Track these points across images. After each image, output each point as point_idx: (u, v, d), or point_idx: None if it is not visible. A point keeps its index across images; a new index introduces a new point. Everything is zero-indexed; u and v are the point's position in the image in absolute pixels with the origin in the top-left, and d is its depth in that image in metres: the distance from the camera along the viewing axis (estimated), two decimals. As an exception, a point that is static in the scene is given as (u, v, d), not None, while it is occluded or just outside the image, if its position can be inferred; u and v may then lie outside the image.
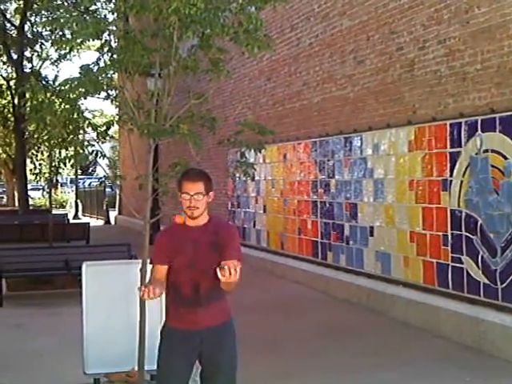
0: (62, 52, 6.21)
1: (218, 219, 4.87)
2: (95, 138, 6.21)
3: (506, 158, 8.06)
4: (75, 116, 6.06)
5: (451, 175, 9.00)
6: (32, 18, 28.50)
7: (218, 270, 4.09)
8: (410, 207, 9.90)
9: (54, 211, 31.70)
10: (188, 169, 4.93)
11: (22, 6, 27.58)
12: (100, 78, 5.75)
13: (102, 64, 5.88)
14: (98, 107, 52.92)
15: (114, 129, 9.35)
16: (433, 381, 7.26)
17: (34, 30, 28.77)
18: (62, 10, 6.01)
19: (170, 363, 4.59)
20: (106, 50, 5.87)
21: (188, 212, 4.57)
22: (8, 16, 31.02)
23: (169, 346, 4.61)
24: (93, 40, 5.68)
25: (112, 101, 6.29)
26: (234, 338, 4.70)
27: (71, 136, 6.20)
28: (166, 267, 4.57)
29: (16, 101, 27.44)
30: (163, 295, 4.62)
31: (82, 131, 6.33)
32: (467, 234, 8.69)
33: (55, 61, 29.86)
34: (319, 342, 8.83)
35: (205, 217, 4.66)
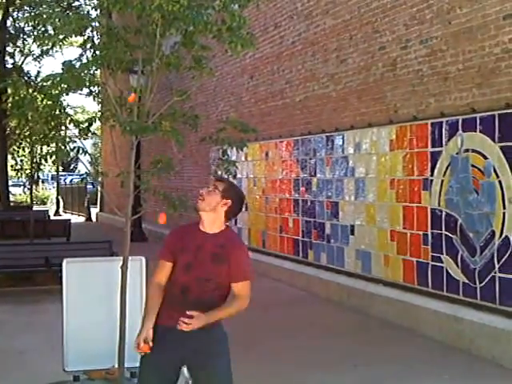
0: (45, 48, 6.19)
1: (231, 233, 4.71)
2: (77, 134, 6.19)
3: (486, 157, 8.12)
4: (57, 112, 6.04)
5: (432, 174, 9.06)
6: (14, 14, 28.35)
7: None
8: (390, 206, 9.94)
9: (35, 208, 31.58)
10: None
11: (4, 1, 27.42)
12: (82, 74, 5.72)
13: (84, 60, 5.86)
14: (80, 103, 52.62)
15: (96, 125, 9.32)
16: (412, 378, 7.30)
17: (17, 25, 28.62)
18: (44, 6, 5.99)
19: (150, 358, 4.53)
20: (88, 46, 5.84)
21: (196, 201, 4.55)
22: (-10, 11, 30.84)
23: (154, 342, 4.53)
24: (75, 36, 5.65)
25: (94, 97, 6.26)
26: (226, 343, 4.61)
27: (53, 132, 6.17)
28: (171, 265, 4.50)
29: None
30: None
31: (63, 127, 6.31)
32: (447, 234, 8.75)
33: (37, 56, 29.74)
34: (300, 340, 8.86)
35: (217, 225, 4.56)
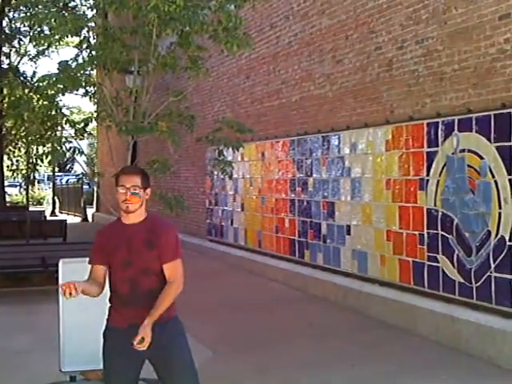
0: (41, 48, 6.20)
1: (156, 217, 4.72)
2: (73, 134, 6.20)
3: (482, 157, 8.13)
4: (53, 112, 6.06)
5: (428, 174, 9.07)
6: (10, 14, 28.32)
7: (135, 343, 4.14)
8: (386, 206, 9.95)
9: (31, 208, 31.53)
10: (126, 166, 4.88)
11: (-1, 1, 27.40)
12: (78, 74, 5.74)
13: (80, 60, 5.87)
14: (77, 104, 52.60)
15: (92, 126, 9.30)
16: (408, 378, 7.30)
17: (13, 25, 28.58)
18: (40, 6, 6.00)
19: (113, 364, 4.53)
20: (84, 46, 5.87)
21: (123, 206, 4.51)
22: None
23: (111, 346, 4.56)
24: (71, 36, 5.68)
25: (90, 97, 6.28)
26: (184, 334, 4.65)
27: (49, 133, 6.18)
28: (104, 268, 4.52)
29: (-7, 97, 27.22)
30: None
31: (59, 128, 6.32)
32: (443, 233, 8.76)
33: (33, 57, 29.70)
34: (297, 339, 8.86)
35: (141, 214, 4.60)
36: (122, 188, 4.50)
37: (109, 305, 4.70)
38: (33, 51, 30.47)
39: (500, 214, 7.85)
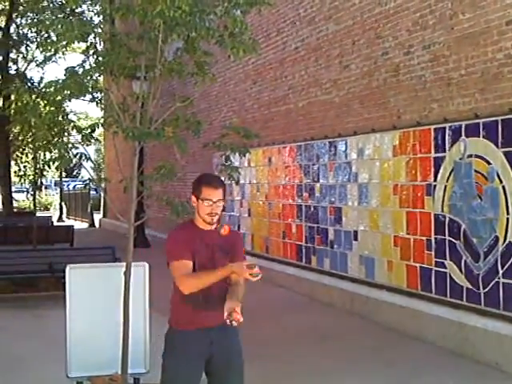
0: (48, 54, 6.20)
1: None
2: (80, 140, 6.20)
3: (489, 163, 8.10)
4: (60, 118, 6.06)
5: (435, 180, 9.04)
6: (18, 20, 28.39)
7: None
8: (394, 211, 9.93)
9: (39, 214, 31.58)
10: (205, 174, 4.90)
11: (7, 7, 27.46)
12: (85, 80, 5.74)
13: (87, 66, 5.87)
14: (83, 109, 52.68)
15: (99, 131, 9.32)
16: (416, 385, 7.29)
17: (20, 31, 28.63)
18: (47, 12, 6.01)
19: (182, 368, 4.53)
20: (91, 52, 5.86)
21: (208, 218, 4.56)
22: (-7, 18, 30.87)
23: (180, 349, 4.58)
24: (78, 42, 5.67)
25: (97, 103, 6.27)
26: (239, 336, 4.75)
27: (56, 138, 6.19)
28: (191, 264, 4.52)
29: (0, 103, 27.30)
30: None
31: (66, 134, 6.32)
32: (451, 239, 8.73)
33: (40, 63, 29.75)
34: (304, 345, 8.84)
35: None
36: (208, 202, 4.55)
37: (175, 306, 4.79)
38: (40, 57, 30.54)
39: (508, 219, 7.83)
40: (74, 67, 5.79)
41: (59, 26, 5.47)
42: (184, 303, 4.62)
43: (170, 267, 4.64)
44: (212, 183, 4.63)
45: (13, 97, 7.08)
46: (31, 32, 26.83)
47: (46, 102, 6.04)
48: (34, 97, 6.36)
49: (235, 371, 4.68)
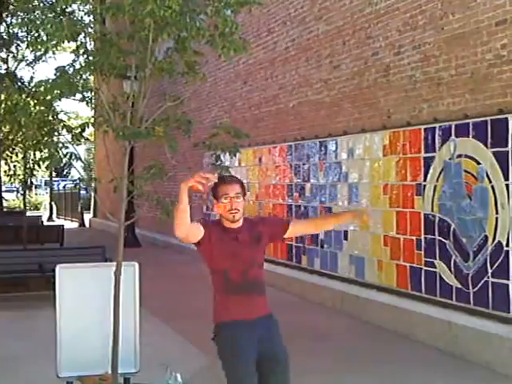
0: (38, 53, 6.19)
1: (250, 218, 4.93)
2: (70, 140, 6.19)
3: (478, 163, 8.14)
4: (50, 118, 6.05)
5: (425, 180, 9.07)
6: (8, 19, 28.32)
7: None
8: (384, 211, 9.95)
9: (29, 213, 31.49)
10: (221, 176, 4.96)
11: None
12: (75, 79, 5.73)
13: (77, 66, 5.86)
14: (74, 109, 52.57)
15: (90, 131, 9.31)
16: (405, 384, 7.31)
17: (10, 30, 28.56)
18: (37, 12, 6.00)
19: (244, 357, 4.56)
20: (81, 51, 5.85)
21: (229, 216, 4.58)
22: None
23: (237, 342, 4.57)
24: (68, 42, 5.66)
25: (87, 103, 6.26)
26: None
27: (46, 138, 6.17)
28: (201, 231, 4.54)
29: (-10, 102, 27.18)
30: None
31: (56, 133, 6.31)
32: (440, 239, 8.76)
33: (31, 62, 29.70)
34: (293, 345, 8.82)
35: (241, 220, 4.70)
36: (226, 197, 4.57)
37: (216, 301, 4.74)
38: (30, 56, 30.49)
39: (497, 219, 7.86)
40: (65, 67, 5.78)
41: (49, 26, 5.46)
42: (222, 291, 4.63)
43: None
44: (227, 179, 4.72)
45: (3, 96, 7.06)
46: (21, 31, 26.77)
47: (36, 101, 6.03)
48: (24, 96, 6.36)
49: (282, 364, 4.77)
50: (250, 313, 4.60)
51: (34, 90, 6.03)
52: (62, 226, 21.06)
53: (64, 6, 5.87)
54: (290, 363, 4.83)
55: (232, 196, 4.57)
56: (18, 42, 28.91)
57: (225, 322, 4.62)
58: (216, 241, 4.57)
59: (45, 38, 5.62)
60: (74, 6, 6.38)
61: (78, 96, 6.00)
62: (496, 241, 7.87)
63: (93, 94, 6.17)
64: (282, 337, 4.81)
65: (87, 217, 33.12)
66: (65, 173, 64.37)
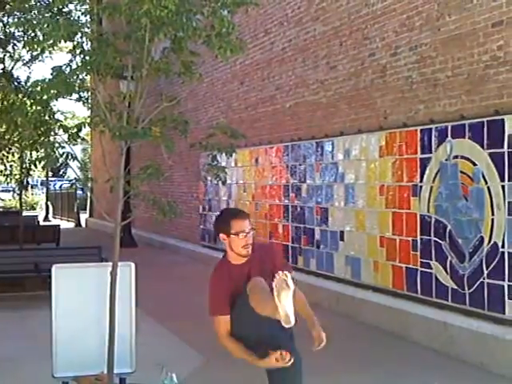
0: (34, 53, 6.19)
1: (259, 245, 4.85)
2: (66, 139, 6.18)
3: (474, 164, 8.15)
4: (46, 117, 6.03)
5: (421, 181, 9.08)
6: (4, 19, 28.27)
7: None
8: (380, 212, 9.96)
9: (25, 213, 31.47)
10: (225, 210, 4.96)
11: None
12: (72, 79, 5.72)
13: (74, 66, 5.85)
14: (70, 109, 52.52)
15: (86, 131, 9.31)
16: (401, 385, 7.32)
17: (7, 30, 28.51)
18: (34, 11, 5.99)
19: None
20: (78, 51, 5.84)
21: (243, 251, 4.58)
22: (-21, 17, 30.71)
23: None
24: (65, 42, 5.65)
25: (84, 103, 6.26)
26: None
27: (42, 138, 6.16)
28: (228, 317, 4.52)
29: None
30: None
31: (53, 133, 6.30)
32: (436, 240, 8.77)
33: (27, 62, 29.65)
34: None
35: None
36: (243, 233, 4.55)
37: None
38: (27, 56, 30.43)
39: (493, 220, 7.87)
40: (61, 66, 5.77)
41: (46, 26, 5.45)
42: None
43: (211, 318, 4.60)
44: (239, 215, 4.68)
45: (-1, 96, 7.05)
46: (18, 31, 26.70)
47: (32, 101, 6.02)
48: (20, 96, 6.35)
49: (297, 370, 4.80)
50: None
51: (30, 89, 6.01)
52: (58, 225, 21.05)
53: (60, 6, 5.86)
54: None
55: (247, 232, 4.56)
56: (15, 42, 28.83)
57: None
58: (234, 292, 4.55)
59: (41, 38, 5.61)
60: (71, 6, 6.37)
61: (75, 96, 5.99)
62: (492, 242, 7.88)
63: (89, 93, 6.17)
64: (294, 345, 4.94)
65: (83, 217, 33.10)
66: (61, 173, 64.27)
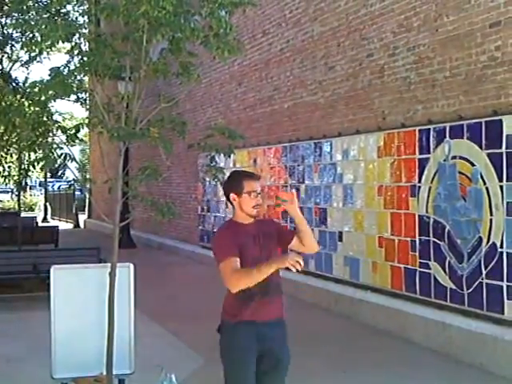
0: (32, 54, 6.18)
1: (260, 219, 4.94)
2: (65, 140, 6.18)
3: (473, 164, 8.15)
4: (44, 118, 6.03)
5: (420, 181, 9.09)
6: (2, 20, 28.26)
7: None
8: (378, 213, 9.96)
9: (23, 214, 31.45)
10: (237, 171, 4.96)
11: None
12: (70, 80, 5.72)
13: (72, 67, 5.85)
14: (69, 110, 52.53)
15: (84, 132, 9.31)
16: (400, 385, 7.32)
17: (5, 31, 28.49)
18: (32, 12, 5.98)
19: (247, 361, 4.54)
20: (76, 52, 5.84)
21: (253, 212, 4.64)
22: (-22, 18, 30.69)
23: (240, 342, 4.55)
24: (63, 42, 5.65)
25: (82, 104, 6.25)
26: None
27: (40, 139, 6.16)
28: (238, 260, 4.48)
29: (-16, 103, 27.08)
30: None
31: (51, 134, 6.29)
32: (435, 240, 8.77)
33: (25, 63, 29.63)
34: (289, 346, 8.83)
35: None
36: (254, 194, 4.61)
37: (229, 300, 4.67)
38: (25, 57, 30.41)
39: (491, 220, 7.88)
40: (59, 67, 5.77)
41: (44, 27, 5.45)
42: (238, 295, 4.54)
43: (218, 268, 4.55)
44: (253, 175, 4.75)
45: (-3, 97, 7.05)
46: (16, 32, 26.68)
47: (30, 102, 6.02)
48: (18, 97, 6.34)
49: (280, 373, 4.76)
50: (264, 314, 4.63)
51: (28, 90, 6.02)
52: (57, 227, 21.04)
53: (59, 7, 5.86)
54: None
55: (259, 192, 4.64)
56: (13, 43, 28.82)
57: (233, 322, 4.60)
58: (241, 246, 4.54)
59: (39, 39, 5.61)
60: (69, 7, 6.37)
61: (73, 97, 5.99)
62: (490, 242, 7.88)
63: (87, 94, 6.17)
64: (287, 346, 4.86)
65: (82, 218, 33.08)
66: (59, 174, 64.27)
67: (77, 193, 34.85)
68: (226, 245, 4.53)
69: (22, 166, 22.92)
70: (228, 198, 4.70)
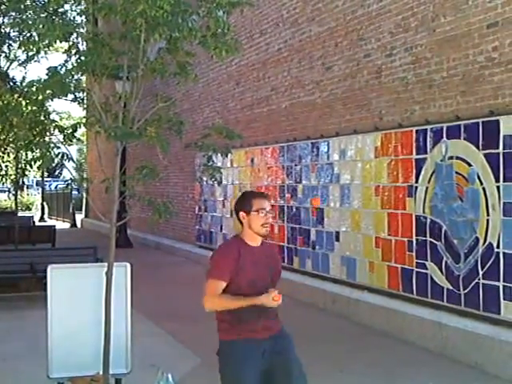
0: (30, 53, 6.17)
1: (267, 243, 4.93)
2: (62, 140, 6.18)
3: (470, 165, 8.16)
4: (42, 118, 6.03)
5: (417, 181, 9.09)
6: (0, 19, 28.23)
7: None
8: (375, 213, 9.97)
9: (20, 213, 31.43)
10: (247, 191, 5.05)
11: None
12: (67, 80, 5.72)
13: (69, 66, 5.85)
14: (66, 109, 52.46)
15: (81, 131, 9.31)
16: (396, 385, 7.32)
17: (2, 30, 28.45)
18: (30, 12, 5.98)
19: (249, 378, 4.55)
20: (73, 52, 5.84)
21: (262, 230, 4.62)
22: (-25, 17, 30.63)
23: (241, 360, 4.56)
24: (60, 42, 5.65)
25: (79, 103, 6.25)
26: (292, 340, 4.94)
27: (37, 138, 6.16)
28: (225, 284, 4.52)
29: (-18, 102, 27.03)
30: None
31: (48, 133, 6.29)
32: (432, 240, 8.78)
33: (23, 62, 29.59)
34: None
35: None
36: (262, 211, 4.60)
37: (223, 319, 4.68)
38: (22, 57, 30.37)
39: (488, 220, 7.88)
40: (56, 67, 5.77)
41: (41, 26, 5.45)
42: (234, 314, 4.59)
43: (206, 279, 4.60)
44: (261, 194, 4.82)
45: (-6, 96, 7.04)
46: (13, 31, 26.64)
47: (27, 101, 6.02)
48: (15, 96, 6.34)
49: (294, 373, 4.81)
50: (262, 332, 4.70)
51: (25, 90, 6.00)
52: (54, 226, 21.02)
53: (56, 7, 5.86)
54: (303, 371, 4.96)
55: (268, 210, 4.62)
56: (10, 42, 28.78)
57: (233, 340, 4.61)
58: (243, 264, 4.57)
59: (37, 38, 5.61)
60: (67, 7, 6.37)
61: (70, 96, 5.99)
62: (487, 242, 7.89)
63: (85, 94, 6.16)
64: (293, 347, 4.93)
65: (79, 217, 33.06)
66: (56, 173, 64.22)
67: (74, 192, 34.81)
68: (222, 267, 4.55)
69: (19, 166, 22.89)
70: (238, 217, 4.71)
